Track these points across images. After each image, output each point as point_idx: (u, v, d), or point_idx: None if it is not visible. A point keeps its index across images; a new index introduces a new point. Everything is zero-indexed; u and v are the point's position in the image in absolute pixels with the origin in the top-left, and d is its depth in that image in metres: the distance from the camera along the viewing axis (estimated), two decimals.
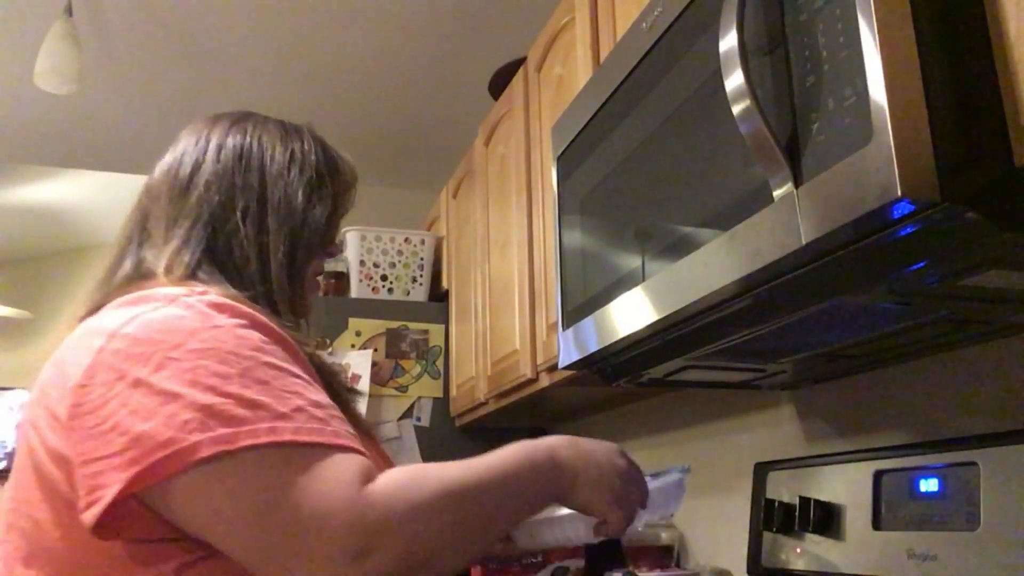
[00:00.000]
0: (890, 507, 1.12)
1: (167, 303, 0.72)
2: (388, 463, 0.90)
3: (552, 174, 1.41)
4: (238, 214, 0.85)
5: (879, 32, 0.66)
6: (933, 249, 0.72)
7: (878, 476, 1.15)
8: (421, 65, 2.74)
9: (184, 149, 0.90)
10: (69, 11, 2.31)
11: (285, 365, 0.71)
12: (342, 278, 2.67)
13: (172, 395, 0.65)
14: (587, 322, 1.22)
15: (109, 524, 0.64)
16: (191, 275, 0.81)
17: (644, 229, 1.07)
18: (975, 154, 0.66)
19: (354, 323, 2.53)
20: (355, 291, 2.64)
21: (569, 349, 1.29)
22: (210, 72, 2.75)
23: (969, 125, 0.66)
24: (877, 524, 1.13)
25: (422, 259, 2.73)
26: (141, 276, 0.83)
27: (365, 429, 0.91)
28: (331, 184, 0.96)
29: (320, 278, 0.96)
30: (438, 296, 2.71)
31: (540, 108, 1.84)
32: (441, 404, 2.55)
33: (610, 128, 1.19)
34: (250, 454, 0.63)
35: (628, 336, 1.09)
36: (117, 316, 0.72)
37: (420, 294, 2.70)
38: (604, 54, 1.48)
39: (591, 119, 1.25)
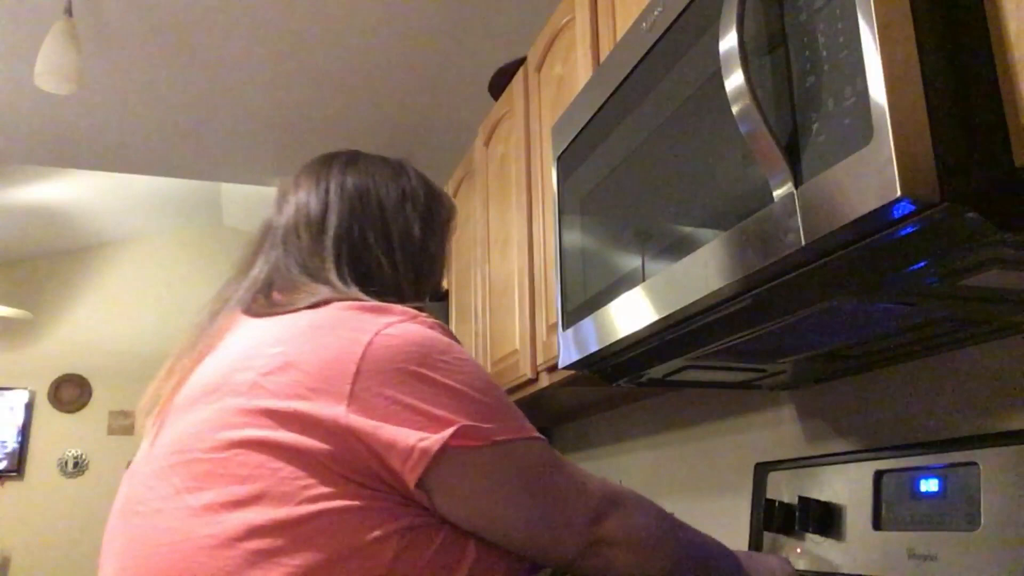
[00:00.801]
0: (890, 507, 1.12)
1: (410, 318, 0.82)
2: None
3: (552, 174, 1.41)
4: (372, 242, 0.96)
5: (879, 32, 0.67)
6: (933, 249, 0.72)
7: (878, 476, 1.15)
8: (421, 65, 2.74)
9: (308, 192, 0.99)
10: (69, 11, 2.32)
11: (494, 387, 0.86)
12: None
13: (455, 390, 0.77)
14: (587, 322, 1.22)
15: (363, 480, 0.74)
16: (360, 291, 0.92)
17: (644, 229, 1.07)
18: (975, 154, 0.66)
19: None
20: None
21: (569, 349, 1.29)
22: (210, 72, 2.75)
23: (969, 125, 0.66)
24: (877, 524, 1.13)
25: None
26: (301, 288, 0.92)
27: None
28: (439, 216, 1.05)
29: None
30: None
31: (540, 108, 1.84)
32: None
33: (610, 128, 1.19)
34: (528, 444, 0.80)
35: (628, 336, 1.09)
36: (369, 319, 0.80)
37: None
38: (604, 54, 1.48)
39: (591, 119, 1.25)
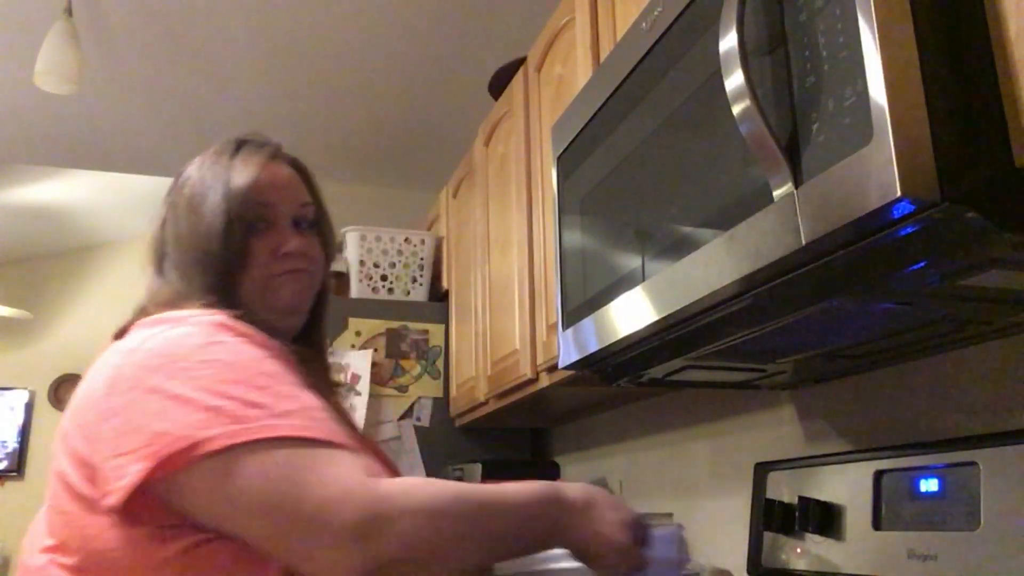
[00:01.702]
0: (890, 507, 1.12)
1: (177, 324, 0.82)
2: (393, 471, 0.94)
3: (552, 174, 1.41)
4: (183, 248, 0.96)
5: (879, 32, 0.66)
6: (933, 249, 0.72)
7: (878, 476, 1.15)
8: (421, 65, 2.74)
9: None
10: (69, 11, 2.32)
11: (283, 373, 0.79)
12: (342, 278, 2.67)
13: (184, 399, 0.73)
14: (587, 322, 1.22)
15: (129, 510, 0.72)
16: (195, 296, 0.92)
17: (644, 229, 1.07)
18: (975, 154, 0.66)
19: (354, 323, 2.53)
20: (355, 291, 2.64)
21: (569, 349, 1.29)
22: (210, 72, 2.75)
23: (969, 125, 0.66)
24: (877, 524, 1.13)
25: (422, 259, 2.73)
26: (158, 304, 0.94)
27: (366, 440, 0.99)
28: (218, 204, 0.97)
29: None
30: (438, 296, 2.71)
31: (540, 108, 1.84)
32: (441, 404, 2.55)
33: (610, 128, 1.19)
34: (256, 447, 0.71)
35: (628, 336, 1.09)
36: (135, 337, 0.83)
37: (420, 294, 2.70)
38: (604, 54, 1.48)
39: (591, 119, 1.25)
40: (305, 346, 1.01)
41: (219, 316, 0.84)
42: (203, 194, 0.96)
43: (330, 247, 1.08)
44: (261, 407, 0.73)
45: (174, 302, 0.91)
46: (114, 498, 0.72)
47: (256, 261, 0.95)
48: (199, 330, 0.81)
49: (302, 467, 0.70)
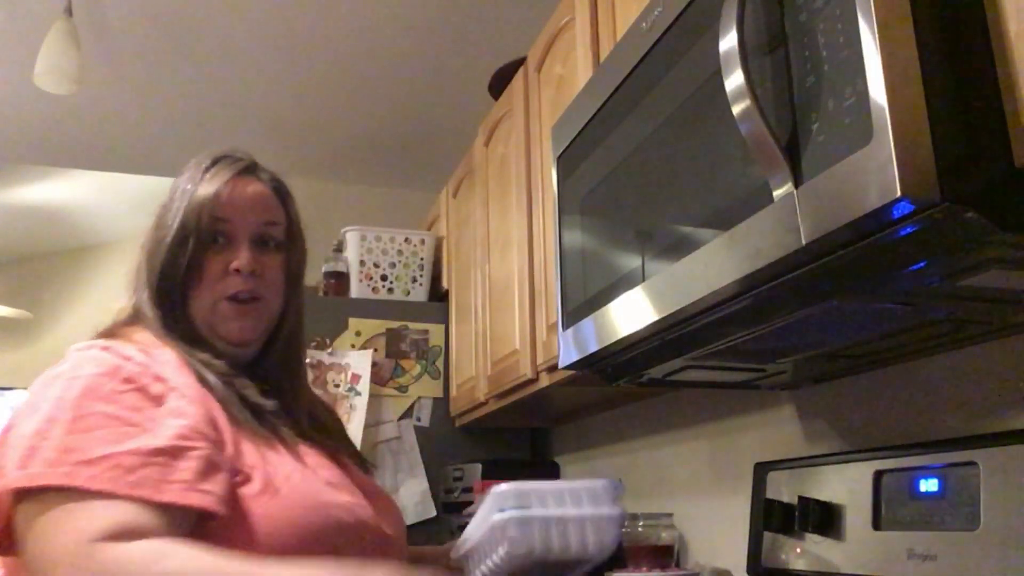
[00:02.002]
0: (890, 507, 1.12)
1: (82, 351, 0.85)
2: (361, 477, 0.97)
3: (552, 174, 1.41)
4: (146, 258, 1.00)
5: (879, 32, 0.66)
6: (933, 249, 0.72)
7: (878, 476, 1.15)
8: (421, 65, 2.74)
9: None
10: (69, 11, 2.31)
11: (125, 414, 0.77)
12: (342, 278, 2.67)
13: (21, 435, 0.75)
14: (587, 322, 1.22)
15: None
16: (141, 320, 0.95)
17: (644, 229, 1.07)
18: (975, 154, 0.66)
19: (354, 323, 2.53)
20: (355, 291, 2.64)
21: (569, 349, 1.29)
22: (210, 72, 2.75)
23: (969, 125, 0.66)
24: (877, 524, 1.13)
25: (422, 259, 2.73)
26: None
27: (335, 446, 1.00)
28: (173, 218, 0.98)
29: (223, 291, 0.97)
30: (438, 296, 2.71)
31: (540, 108, 1.84)
32: (441, 404, 2.55)
33: (610, 128, 1.19)
34: (44, 494, 0.71)
35: (628, 336, 1.09)
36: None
37: (420, 294, 2.70)
38: (604, 54, 1.48)
39: (591, 119, 1.25)
40: (270, 372, 0.99)
41: (112, 343, 0.85)
42: (167, 206, 0.98)
43: (296, 269, 1.04)
44: (72, 451, 0.73)
45: (130, 320, 0.94)
46: None
47: (208, 277, 0.94)
48: (69, 364, 0.82)
49: (49, 522, 0.70)
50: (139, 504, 0.71)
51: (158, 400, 0.80)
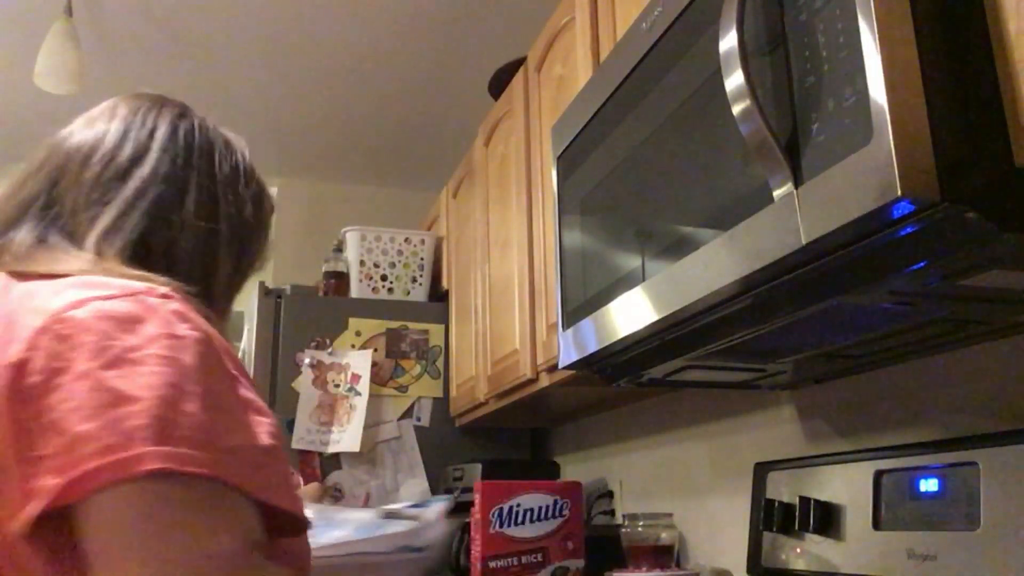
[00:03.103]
0: (890, 507, 1.12)
1: (124, 295, 0.63)
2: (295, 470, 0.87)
3: (552, 174, 1.41)
4: (190, 210, 0.78)
5: (879, 32, 0.67)
6: (933, 249, 0.72)
7: (878, 476, 1.15)
8: (421, 65, 2.74)
9: (125, 127, 0.82)
10: (69, 11, 2.32)
11: (241, 392, 0.65)
12: (342, 278, 2.67)
13: (121, 397, 0.56)
14: (587, 322, 1.22)
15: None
16: (121, 262, 0.72)
17: (644, 229, 1.07)
18: (975, 154, 0.66)
19: (354, 323, 2.53)
20: (355, 291, 2.64)
21: (569, 349, 1.29)
22: (209, 72, 2.75)
23: (969, 125, 0.66)
24: (877, 524, 1.13)
25: (422, 259, 2.73)
26: (52, 248, 0.73)
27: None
28: (266, 205, 0.91)
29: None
30: (438, 296, 2.71)
31: (540, 108, 1.84)
32: (441, 404, 2.55)
33: (610, 128, 1.19)
34: (192, 482, 0.56)
35: (628, 336, 1.09)
36: (62, 296, 0.62)
37: (420, 294, 2.70)
38: (604, 54, 1.48)
39: (591, 119, 1.25)
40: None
41: (175, 302, 0.65)
42: (242, 175, 0.88)
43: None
44: (213, 433, 0.58)
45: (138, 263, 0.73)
46: (18, 524, 0.55)
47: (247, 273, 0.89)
48: (154, 315, 0.62)
49: (204, 515, 0.57)
50: (259, 506, 0.60)
51: (241, 368, 0.68)
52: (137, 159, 0.79)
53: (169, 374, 0.58)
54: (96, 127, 0.83)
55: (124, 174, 0.77)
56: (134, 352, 0.58)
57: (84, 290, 0.63)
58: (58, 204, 0.76)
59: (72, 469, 0.54)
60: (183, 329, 0.62)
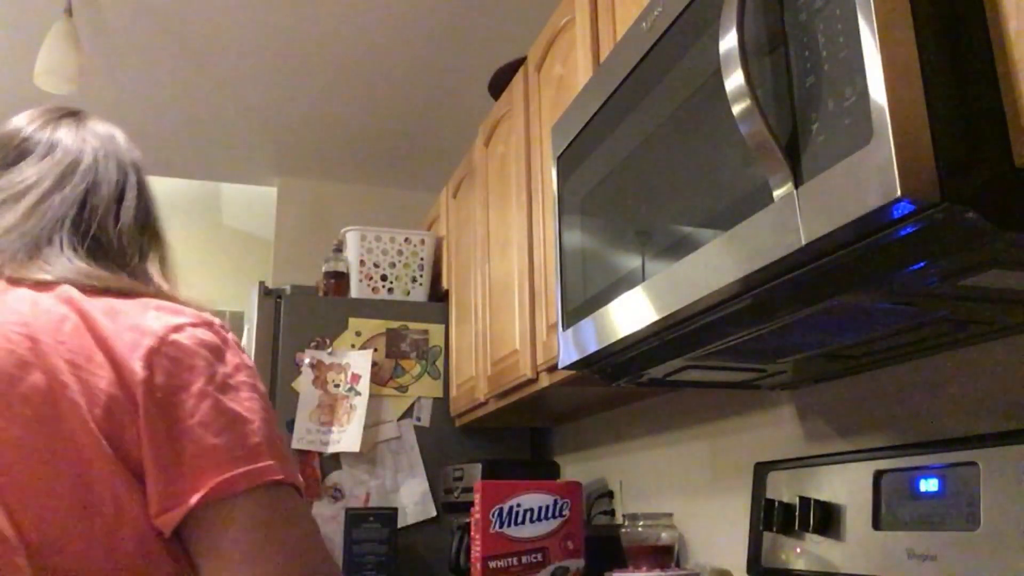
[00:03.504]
0: (890, 507, 1.12)
1: (203, 324, 0.73)
2: None
3: (552, 174, 1.41)
4: (109, 219, 0.85)
5: (879, 32, 0.67)
6: (933, 249, 0.72)
7: (878, 476, 1.15)
8: (421, 65, 2.74)
9: (67, 134, 0.89)
10: (69, 11, 2.32)
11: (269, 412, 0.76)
12: (342, 278, 2.67)
13: (239, 417, 0.68)
14: (587, 322, 1.22)
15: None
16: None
17: (644, 229, 1.07)
18: (975, 154, 0.66)
19: (354, 323, 2.53)
20: (355, 291, 2.64)
21: (569, 349, 1.29)
22: (210, 72, 2.75)
23: (969, 125, 0.66)
24: (877, 524, 1.13)
25: (422, 259, 2.73)
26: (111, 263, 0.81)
27: None
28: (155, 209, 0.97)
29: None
30: (438, 296, 2.71)
31: (540, 108, 1.84)
32: (441, 404, 2.55)
33: (610, 128, 1.19)
34: (293, 491, 0.70)
35: (628, 336, 1.09)
36: (159, 319, 0.71)
37: (420, 294, 2.70)
38: (604, 54, 1.48)
39: (591, 119, 1.25)
40: None
41: (230, 332, 0.76)
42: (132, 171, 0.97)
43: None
44: (286, 449, 0.72)
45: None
46: (168, 518, 0.64)
47: None
48: (231, 344, 0.73)
49: (305, 518, 0.71)
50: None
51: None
52: (76, 165, 0.86)
53: (259, 399, 0.71)
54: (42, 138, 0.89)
55: (68, 183, 0.85)
56: (230, 379, 0.70)
57: (171, 316, 0.72)
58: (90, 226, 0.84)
59: (216, 474, 0.65)
60: (247, 359, 0.74)
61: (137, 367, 0.66)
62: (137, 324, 0.69)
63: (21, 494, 0.62)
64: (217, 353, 0.70)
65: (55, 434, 0.64)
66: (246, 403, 0.69)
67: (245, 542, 0.65)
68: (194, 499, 0.64)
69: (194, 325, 0.71)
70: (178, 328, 0.70)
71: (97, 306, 0.70)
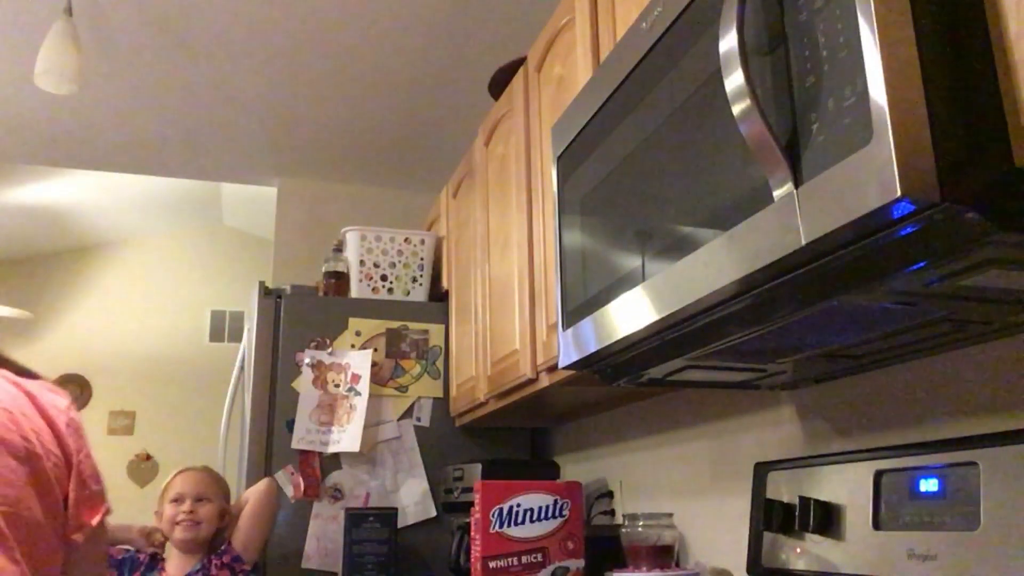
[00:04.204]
0: (890, 507, 1.12)
1: (71, 402, 0.95)
2: None
3: (552, 174, 1.41)
4: None
5: (879, 32, 0.67)
6: (933, 249, 0.72)
7: (878, 476, 1.15)
8: (421, 65, 2.74)
9: None
10: (69, 11, 2.32)
11: None
12: (342, 278, 2.67)
13: (98, 470, 0.92)
14: (587, 322, 1.22)
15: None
16: None
17: (644, 229, 1.07)
18: (975, 154, 0.66)
19: (354, 323, 2.53)
20: (355, 291, 2.64)
21: (569, 349, 1.29)
22: (210, 72, 2.75)
23: (969, 125, 0.66)
24: (877, 524, 1.13)
25: (422, 259, 2.73)
26: None
27: None
28: None
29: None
30: (438, 296, 2.71)
31: (540, 108, 1.84)
32: (441, 404, 2.55)
33: (610, 128, 1.19)
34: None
35: (628, 336, 1.09)
36: (58, 398, 0.93)
37: (420, 294, 2.70)
38: (604, 54, 1.48)
39: (591, 119, 1.25)
40: None
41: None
42: None
43: None
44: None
45: None
46: (81, 535, 0.86)
47: None
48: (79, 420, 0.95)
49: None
50: None
51: None
52: None
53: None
54: None
55: None
56: (87, 445, 0.93)
57: (62, 396, 0.95)
58: None
59: (101, 507, 0.90)
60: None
61: (68, 439, 0.90)
62: (52, 403, 0.92)
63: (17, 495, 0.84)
64: (80, 424, 0.94)
65: (36, 473, 0.86)
66: (93, 456, 0.92)
67: (96, 553, 0.92)
68: (95, 521, 0.89)
69: (71, 405, 0.96)
70: (69, 406, 0.94)
71: (32, 387, 0.92)
